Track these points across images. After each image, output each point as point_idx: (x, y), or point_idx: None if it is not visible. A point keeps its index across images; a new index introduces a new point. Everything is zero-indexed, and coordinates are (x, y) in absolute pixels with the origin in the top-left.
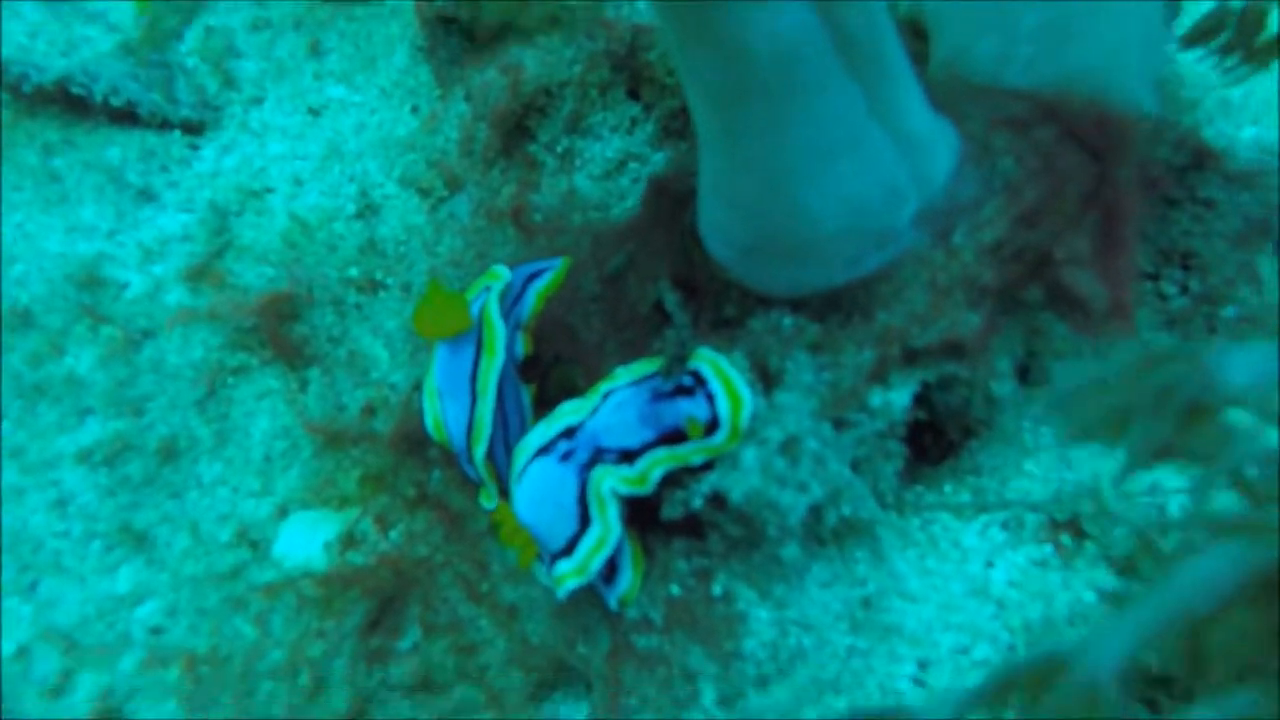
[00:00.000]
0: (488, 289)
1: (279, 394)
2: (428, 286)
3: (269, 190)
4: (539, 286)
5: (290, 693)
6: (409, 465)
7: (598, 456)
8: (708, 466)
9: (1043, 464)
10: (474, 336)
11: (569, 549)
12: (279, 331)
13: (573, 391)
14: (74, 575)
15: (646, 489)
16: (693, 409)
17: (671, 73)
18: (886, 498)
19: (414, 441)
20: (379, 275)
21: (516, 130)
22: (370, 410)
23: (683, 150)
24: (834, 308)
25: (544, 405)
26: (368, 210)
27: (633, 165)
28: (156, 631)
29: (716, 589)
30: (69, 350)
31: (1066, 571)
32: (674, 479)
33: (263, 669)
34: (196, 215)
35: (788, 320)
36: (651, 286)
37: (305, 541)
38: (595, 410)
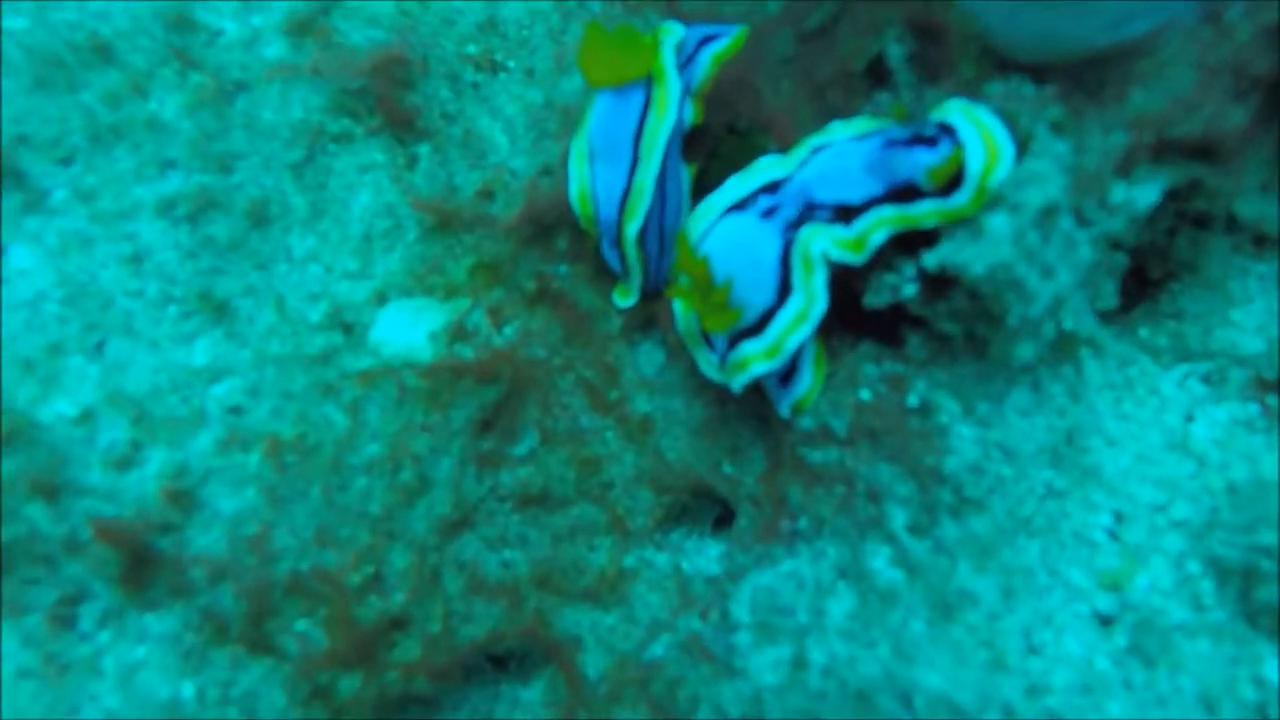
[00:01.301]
0: (642, 36)
1: (384, 168)
2: (588, 28)
3: None
4: (715, 50)
5: (388, 490)
6: (530, 255)
7: (808, 213)
8: (927, 239)
9: (1253, 315)
10: (642, 89)
11: (760, 324)
12: (390, 96)
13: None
14: (145, 340)
15: (862, 256)
16: (933, 159)
17: None
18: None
19: (539, 228)
20: (499, 56)
21: None
22: (487, 193)
23: None
24: (1081, 82)
25: (705, 189)
26: None
27: None
28: (236, 411)
29: (913, 399)
30: (153, 93)
31: (1273, 435)
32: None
33: (356, 462)
34: None
35: (1029, 89)
36: (870, 38)
37: (406, 330)
38: (804, 163)
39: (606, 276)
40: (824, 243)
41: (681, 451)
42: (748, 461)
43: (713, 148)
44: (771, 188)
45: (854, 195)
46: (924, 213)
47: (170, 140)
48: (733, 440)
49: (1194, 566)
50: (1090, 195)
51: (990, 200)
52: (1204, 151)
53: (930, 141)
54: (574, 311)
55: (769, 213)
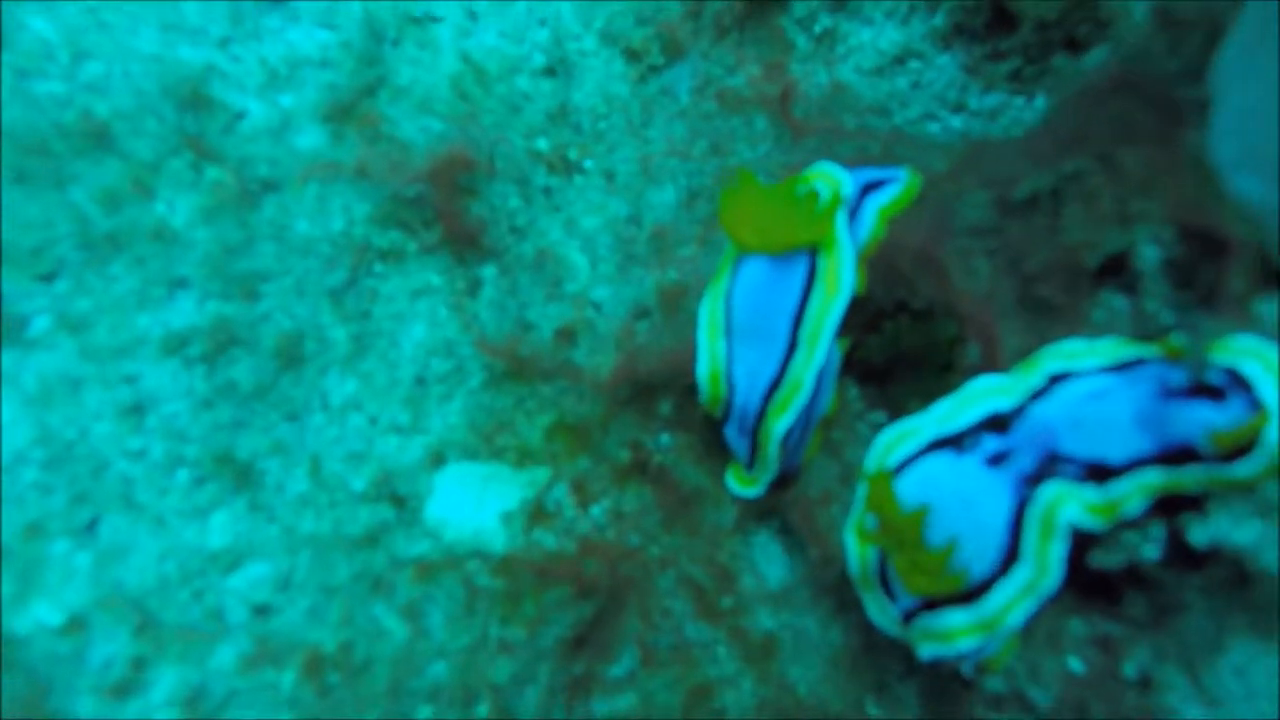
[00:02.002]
0: (812, 192)
1: (441, 294)
2: (739, 176)
3: (434, 19)
4: (882, 202)
5: None
6: (625, 418)
7: (1049, 466)
8: (1191, 504)
9: None
10: (805, 257)
11: (974, 593)
12: (452, 206)
13: (923, 356)
14: (149, 515)
15: (1110, 524)
16: (1223, 422)
17: None
18: None
19: (635, 388)
20: (573, 154)
21: None
22: (568, 334)
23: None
24: None
25: (866, 372)
26: (560, 67)
27: (914, 64)
28: (263, 612)
29: (1130, 668)
30: (160, 193)
31: None
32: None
33: (418, 686)
34: (340, 34)
35: None
36: (1114, 230)
37: (472, 506)
38: (1040, 394)
39: (718, 448)
40: (1075, 509)
41: (814, 683)
42: (898, 702)
43: (871, 321)
44: (998, 423)
45: (1116, 453)
46: (1197, 479)
47: (182, 255)
48: (879, 675)
49: None
50: None
51: None
52: None
53: (1216, 394)
54: (677, 492)
55: (998, 459)
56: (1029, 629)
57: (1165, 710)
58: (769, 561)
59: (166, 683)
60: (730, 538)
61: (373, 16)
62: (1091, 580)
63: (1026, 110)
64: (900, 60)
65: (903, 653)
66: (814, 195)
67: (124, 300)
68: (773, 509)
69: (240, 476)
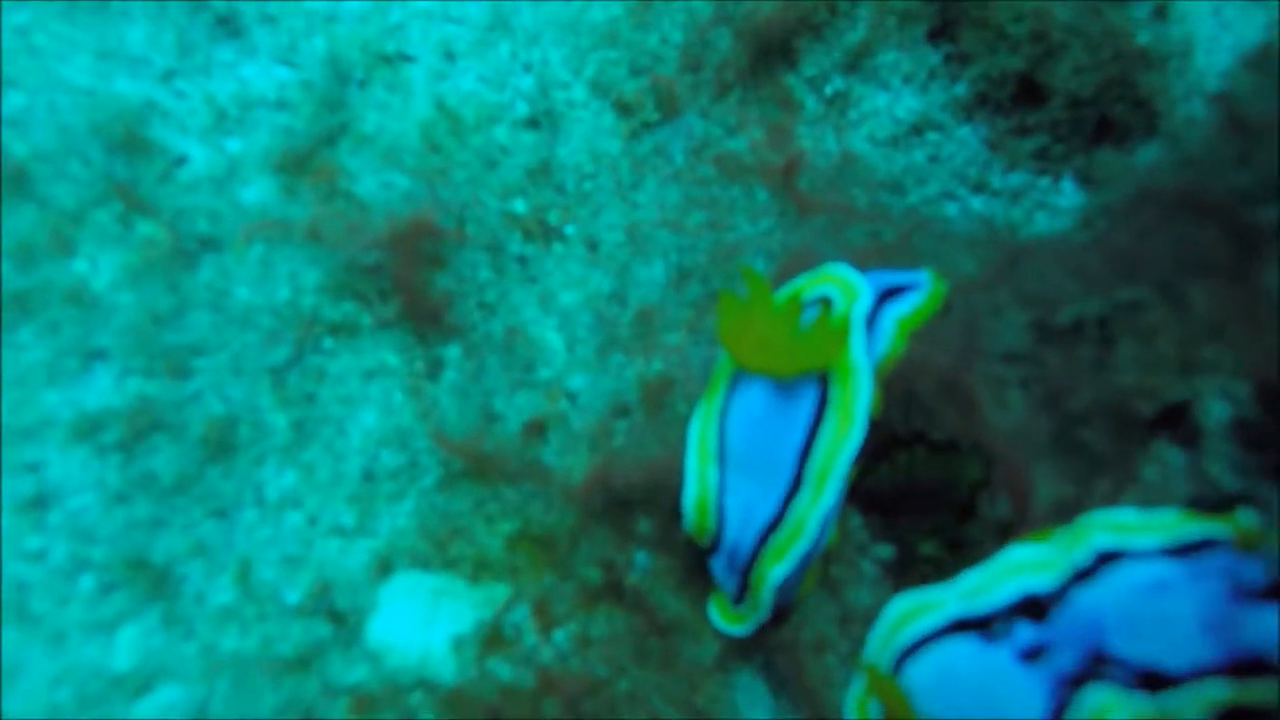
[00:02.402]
0: (824, 301)
1: (397, 375)
2: (748, 280)
3: (407, 59)
4: (901, 313)
5: None
6: (596, 532)
7: (1094, 668)
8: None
9: None
10: (815, 382)
11: None
12: (413, 279)
13: (939, 492)
14: (46, 629)
15: None
16: None
17: (1020, 18)
18: None
19: (610, 498)
20: (553, 218)
21: (775, 50)
22: (538, 429)
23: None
24: None
25: (871, 501)
26: (544, 118)
27: (932, 136)
28: None
29: None
30: (81, 248)
31: None
32: None
33: None
34: (301, 73)
35: None
36: (1174, 379)
37: (419, 624)
38: (1087, 575)
39: (702, 574)
40: None
41: None
42: None
43: (884, 445)
44: (1034, 607)
45: (1176, 661)
46: (1268, 692)
47: (102, 322)
48: None
49: None
50: None
51: None
52: None
53: None
54: (653, 620)
55: (1033, 654)
56: None
57: None
58: (752, 705)
59: None
60: (710, 677)
61: (338, 54)
62: None
63: (1052, 193)
64: (918, 130)
65: None
66: (827, 311)
67: (31, 373)
68: (759, 645)
69: (155, 584)
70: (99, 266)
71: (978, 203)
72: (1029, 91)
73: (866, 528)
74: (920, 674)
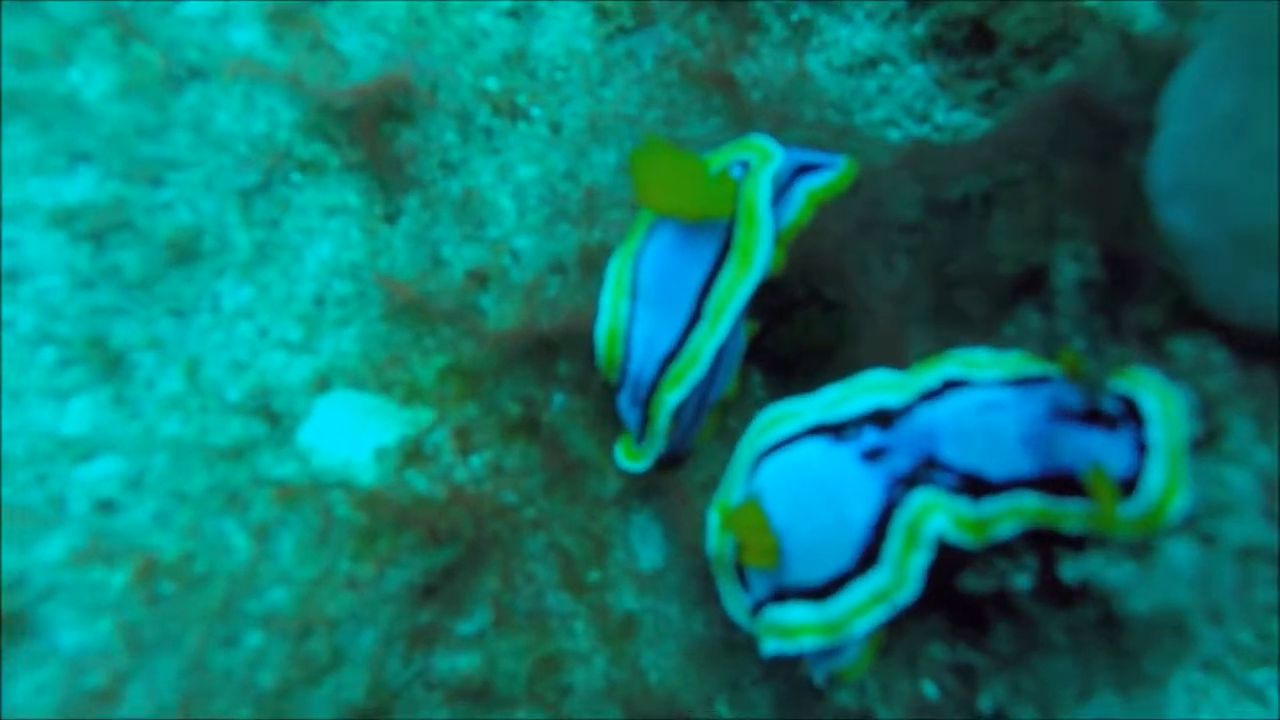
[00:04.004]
0: (743, 164)
1: (356, 215)
2: (647, 140)
3: None
4: (813, 185)
5: (290, 660)
6: (520, 372)
7: (925, 471)
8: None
9: None
10: (720, 230)
11: (824, 590)
12: (379, 130)
13: (831, 350)
14: (7, 389)
15: (977, 543)
16: (1107, 453)
17: None
18: None
19: (536, 342)
20: (522, 99)
21: None
22: (480, 278)
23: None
24: None
25: (772, 361)
26: (526, 12)
27: (885, 69)
28: (106, 508)
29: (986, 701)
30: (78, 59)
31: None
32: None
33: (254, 610)
34: None
35: (1218, 355)
36: (1037, 242)
37: (348, 435)
38: (933, 397)
39: (612, 419)
40: (944, 519)
41: (666, 673)
42: (750, 705)
43: (784, 306)
44: (883, 418)
45: (995, 469)
46: (1073, 514)
47: (89, 128)
48: (734, 674)
49: None
50: None
51: (1171, 526)
52: None
53: (1109, 423)
54: (562, 456)
55: (874, 455)
56: (887, 647)
57: None
58: (644, 542)
59: None
60: (608, 511)
61: None
62: (962, 606)
63: None
64: (873, 63)
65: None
66: (728, 172)
67: (19, 164)
68: (658, 489)
69: (110, 365)
70: (93, 78)
71: (920, 132)
72: (981, 37)
73: (765, 385)
74: (772, 469)
